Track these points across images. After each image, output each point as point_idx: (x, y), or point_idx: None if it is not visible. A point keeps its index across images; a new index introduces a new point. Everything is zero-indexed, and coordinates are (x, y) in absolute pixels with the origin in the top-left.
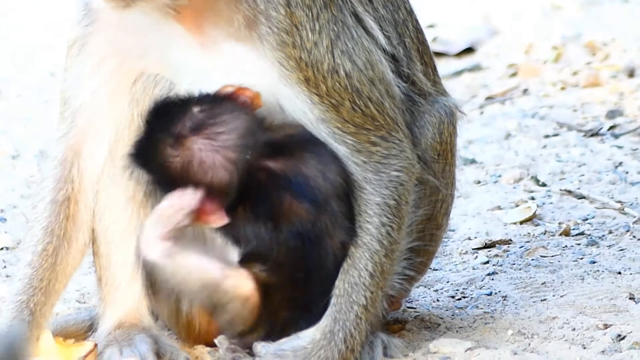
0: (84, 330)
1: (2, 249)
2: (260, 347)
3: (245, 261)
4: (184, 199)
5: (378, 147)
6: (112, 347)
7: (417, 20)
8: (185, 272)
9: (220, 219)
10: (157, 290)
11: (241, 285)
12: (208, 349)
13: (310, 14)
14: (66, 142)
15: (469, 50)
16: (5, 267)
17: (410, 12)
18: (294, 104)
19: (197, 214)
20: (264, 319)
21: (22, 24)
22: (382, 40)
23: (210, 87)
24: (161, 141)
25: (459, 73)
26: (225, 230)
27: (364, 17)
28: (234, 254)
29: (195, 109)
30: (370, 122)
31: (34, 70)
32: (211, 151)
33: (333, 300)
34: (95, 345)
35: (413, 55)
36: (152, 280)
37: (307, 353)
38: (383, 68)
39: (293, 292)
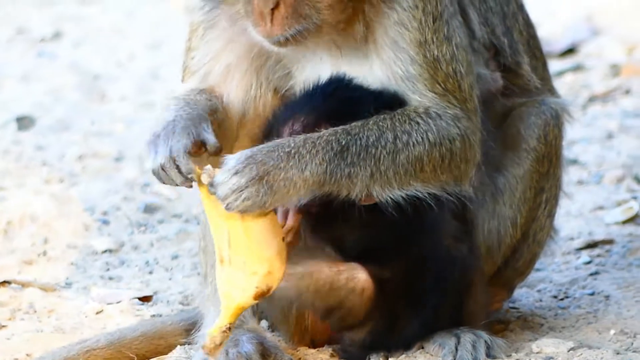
0: (184, 330)
1: (105, 251)
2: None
3: (357, 261)
4: (281, 219)
5: (451, 104)
6: None
7: (528, 15)
8: (297, 282)
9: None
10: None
11: (354, 276)
12: (312, 350)
13: None
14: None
15: (570, 51)
16: (108, 269)
17: (521, 7)
18: (393, 62)
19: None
20: (375, 313)
21: (124, 26)
22: (478, 33)
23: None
24: None
25: (561, 73)
26: (328, 233)
27: (468, 10)
28: (341, 257)
29: None
30: (458, 92)
31: (136, 72)
32: None
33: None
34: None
35: (520, 48)
36: None
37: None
38: (472, 58)
39: (404, 286)
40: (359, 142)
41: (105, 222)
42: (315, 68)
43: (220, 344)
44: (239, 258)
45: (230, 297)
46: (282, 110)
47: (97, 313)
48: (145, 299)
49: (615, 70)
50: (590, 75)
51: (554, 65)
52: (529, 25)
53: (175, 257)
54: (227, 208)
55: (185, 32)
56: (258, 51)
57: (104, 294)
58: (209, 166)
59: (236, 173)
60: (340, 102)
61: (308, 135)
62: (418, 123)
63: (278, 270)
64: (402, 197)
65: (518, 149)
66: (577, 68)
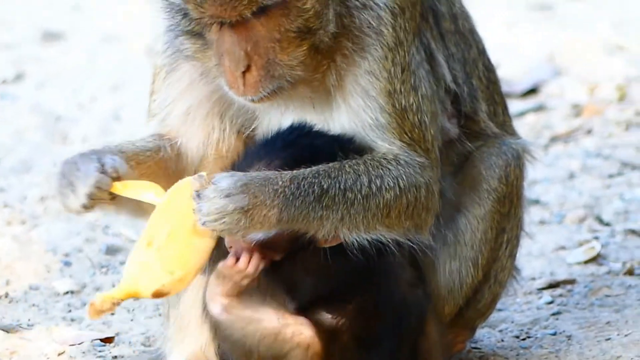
0: None
1: (66, 293)
2: None
3: (307, 308)
4: (244, 264)
5: (417, 153)
6: None
7: (489, 60)
8: (244, 325)
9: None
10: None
11: (300, 332)
12: None
13: (408, 39)
14: (158, 130)
15: (532, 91)
16: (70, 311)
17: (483, 52)
18: (362, 110)
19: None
20: None
21: (86, 67)
22: (447, 77)
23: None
24: None
25: (522, 114)
26: (283, 278)
27: (436, 55)
28: (295, 302)
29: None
30: (423, 142)
31: (98, 113)
32: None
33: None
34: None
35: (479, 94)
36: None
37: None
38: (437, 108)
39: (360, 332)
40: (337, 186)
41: (67, 264)
42: (280, 112)
43: (104, 311)
44: (169, 252)
45: (136, 280)
46: (242, 158)
47: (59, 354)
48: (107, 340)
49: (576, 110)
50: (552, 116)
51: (515, 106)
52: (489, 70)
53: (137, 299)
54: (202, 223)
55: (148, 74)
56: (220, 95)
57: (66, 336)
58: (204, 173)
59: (227, 196)
60: (301, 150)
61: (295, 173)
62: (389, 169)
63: (185, 283)
64: (367, 240)
65: (479, 190)
66: (539, 108)
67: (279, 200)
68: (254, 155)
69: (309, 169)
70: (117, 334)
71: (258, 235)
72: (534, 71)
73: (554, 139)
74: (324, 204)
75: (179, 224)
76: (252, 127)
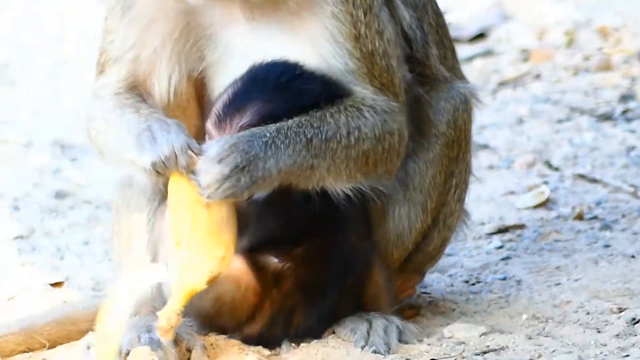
0: (96, 316)
1: (16, 237)
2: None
3: (255, 249)
4: None
5: (388, 98)
6: (130, 333)
7: (436, 4)
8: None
9: None
10: None
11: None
12: (222, 336)
13: None
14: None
15: (480, 36)
16: (20, 255)
17: None
18: (332, 57)
19: None
20: (270, 307)
21: (31, 14)
22: (407, 20)
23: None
24: None
25: (471, 59)
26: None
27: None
28: (243, 240)
29: None
30: (392, 86)
31: (44, 60)
32: None
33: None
34: None
35: (430, 39)
36: None
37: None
38: (399, 52)
39: (304, 279)
40: (320, 135)
41: (16, 209)
42: (230, 49)
43: (173, 327)
44: (197, 242)
45: (185, 281)
46: (230, 99)
47: (9, 299)
48: (57, 285)
49: (525, 55)
50: (500, 60)
51: (463, 51)
52: (437, 15)
53: (86, 243)
54: (208, 197)
55: (93, 22)
56: (179, 34)
57: (16, 280)
58: (190, 152)
59: (220, 161)
60: (294, 95)
61: (279, 124)
62: (366, 118)
63: (230, 256)
64: (349, 189)
65: (428, 135)
66: (487, 53)
67: (272, 151)
68: (244, 95)
69: (291, 120)
70: (67, 279)
71: (262, 193)
72: (482, 16)
73: (503, 84)
74: (312, 154)
75: (194, 212)
76: (201, 68)
